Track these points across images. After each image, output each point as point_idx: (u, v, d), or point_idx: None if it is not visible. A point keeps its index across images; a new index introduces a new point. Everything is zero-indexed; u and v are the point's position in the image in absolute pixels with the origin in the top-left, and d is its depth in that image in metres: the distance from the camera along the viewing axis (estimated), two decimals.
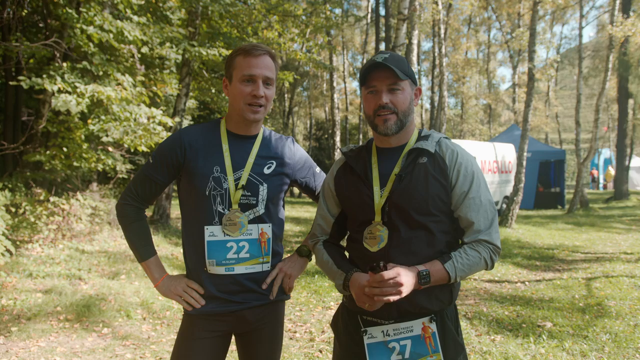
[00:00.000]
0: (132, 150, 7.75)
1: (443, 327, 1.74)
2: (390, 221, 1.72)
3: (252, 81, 1.87)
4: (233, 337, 2.06)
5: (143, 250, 1.97)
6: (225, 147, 1.93)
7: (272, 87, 1.93)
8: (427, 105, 33.90)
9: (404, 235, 1.71)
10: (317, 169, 2.19)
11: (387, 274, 1.54)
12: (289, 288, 2.04)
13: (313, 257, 2.06)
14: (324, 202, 1.96)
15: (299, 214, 15.38)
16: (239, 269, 1.90)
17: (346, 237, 1.96)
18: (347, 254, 1.92)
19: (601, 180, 32.12)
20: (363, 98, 1.82)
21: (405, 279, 1.56)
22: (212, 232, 1.88)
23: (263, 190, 1.93)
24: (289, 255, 2.10)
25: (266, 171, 1.96)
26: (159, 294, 2.07)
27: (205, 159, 1.90)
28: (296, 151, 2.09)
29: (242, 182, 1.90)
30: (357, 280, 1.69)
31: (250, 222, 1.92)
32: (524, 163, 12.48)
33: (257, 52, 1.88)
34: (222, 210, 1.89)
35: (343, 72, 29.81)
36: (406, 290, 1.56)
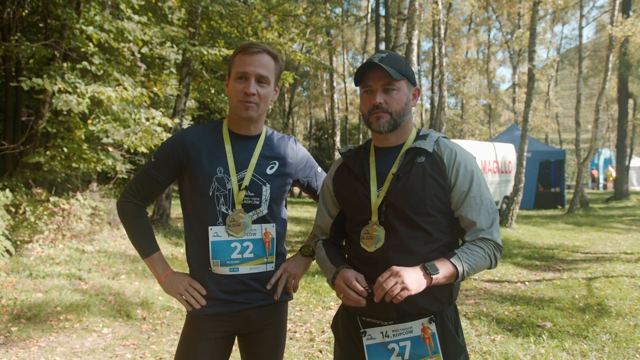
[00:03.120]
0: (132, 150, 7.74)
1: (443, 328, 1.72)
2: (387, 221, 1.71)
3: (244, 78, 1.86)
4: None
5: (146, 246, 1.96)
6: (228, 147, 1.92)
7: (268, 86, 1.89)
8: (427, 105, 33.90)
9: (401, 235, 1.70)
10: (319, 169, 2.18)
11: (382, 275, 1.57)
12: (294, 288, 2.03)
13: None
14: (323, 203, 1.96)
15: (299, 214, 15.38)
16: (244, 269, 1.90)
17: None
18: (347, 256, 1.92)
19: (601, 180, 32.12)
20: (360, 97, 1.82)
21: (405, 272, 1.55)
22: (216, 233, 1.87)
23: (266, 190, 1.93)
24: (291, 255, 2.09)
25: (269, 171, 1.95)
26: (161, 291, 2.06)
27: (209, 160, 1.89)
28: (298, 151, 2.08)
29: (246, 182, 1.89)
30: (342, 275, 1.70)
31: (254, 222, 1.92)
32: (524, 163, 12.48)
33: (253, 49, 1.87)
34: (225, 211, 1.88)
35: (343, 72, 29.79)
36: (412, 283, 1.54)
